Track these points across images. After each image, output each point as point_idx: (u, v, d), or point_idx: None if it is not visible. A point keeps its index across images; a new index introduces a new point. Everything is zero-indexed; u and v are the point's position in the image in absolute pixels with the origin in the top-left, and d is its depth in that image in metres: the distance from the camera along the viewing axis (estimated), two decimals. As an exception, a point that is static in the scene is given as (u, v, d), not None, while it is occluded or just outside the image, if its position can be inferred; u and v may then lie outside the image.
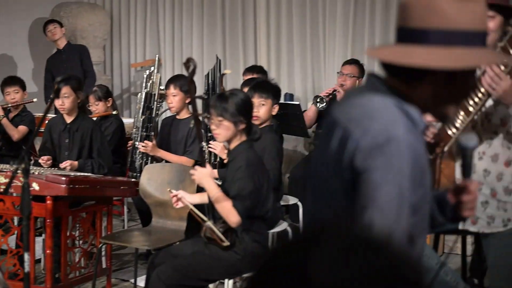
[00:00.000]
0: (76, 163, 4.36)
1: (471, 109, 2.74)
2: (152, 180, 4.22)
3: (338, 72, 5.61)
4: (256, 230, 3.28)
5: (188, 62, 2.90)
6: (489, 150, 2.83)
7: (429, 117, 1.74)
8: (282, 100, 6.07)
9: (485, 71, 2.64)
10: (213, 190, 3.22)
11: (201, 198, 3.41)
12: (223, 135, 3.28)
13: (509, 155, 2.83)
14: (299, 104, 5.32)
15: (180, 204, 3.42)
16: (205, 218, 3.24)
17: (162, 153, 4.81)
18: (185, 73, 3.36)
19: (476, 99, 2.73)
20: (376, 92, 1.66)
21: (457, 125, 2.80)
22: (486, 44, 1.66)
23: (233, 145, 3.31)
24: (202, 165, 3.30)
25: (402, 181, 1.56)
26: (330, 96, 5.36)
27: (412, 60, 1.58)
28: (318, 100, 5.36)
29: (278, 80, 6.54)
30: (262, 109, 4.14)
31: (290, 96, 6.54)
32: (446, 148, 2.79)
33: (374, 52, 2.02)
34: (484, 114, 2.80)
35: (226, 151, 3.81)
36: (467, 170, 1.88)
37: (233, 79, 6.63)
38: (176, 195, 3.43)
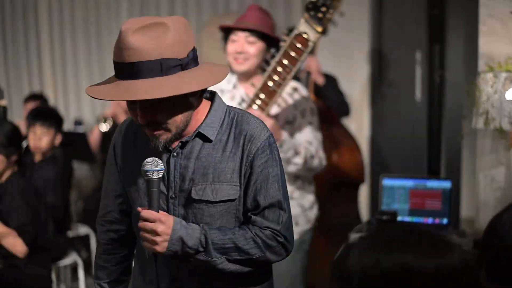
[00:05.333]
0: None
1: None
2: None
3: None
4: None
5: None
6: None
7: None
8: (72, 125, 6.03)
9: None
10: None
11: None
12: None
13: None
14: (84, 133, 5.32)
15: None
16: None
17: None
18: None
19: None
20: None
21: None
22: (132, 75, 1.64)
23: (4, 177, 3.24)
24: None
25: None
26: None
27: None
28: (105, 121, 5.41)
29: (67, 106, 6.47)
30: (44, 138, 4.08)
31: (78, 122, 6.47)
32: None
33: None
34: None
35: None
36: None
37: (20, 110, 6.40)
38: None
